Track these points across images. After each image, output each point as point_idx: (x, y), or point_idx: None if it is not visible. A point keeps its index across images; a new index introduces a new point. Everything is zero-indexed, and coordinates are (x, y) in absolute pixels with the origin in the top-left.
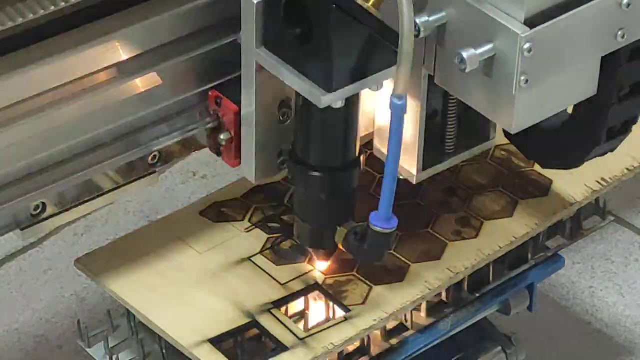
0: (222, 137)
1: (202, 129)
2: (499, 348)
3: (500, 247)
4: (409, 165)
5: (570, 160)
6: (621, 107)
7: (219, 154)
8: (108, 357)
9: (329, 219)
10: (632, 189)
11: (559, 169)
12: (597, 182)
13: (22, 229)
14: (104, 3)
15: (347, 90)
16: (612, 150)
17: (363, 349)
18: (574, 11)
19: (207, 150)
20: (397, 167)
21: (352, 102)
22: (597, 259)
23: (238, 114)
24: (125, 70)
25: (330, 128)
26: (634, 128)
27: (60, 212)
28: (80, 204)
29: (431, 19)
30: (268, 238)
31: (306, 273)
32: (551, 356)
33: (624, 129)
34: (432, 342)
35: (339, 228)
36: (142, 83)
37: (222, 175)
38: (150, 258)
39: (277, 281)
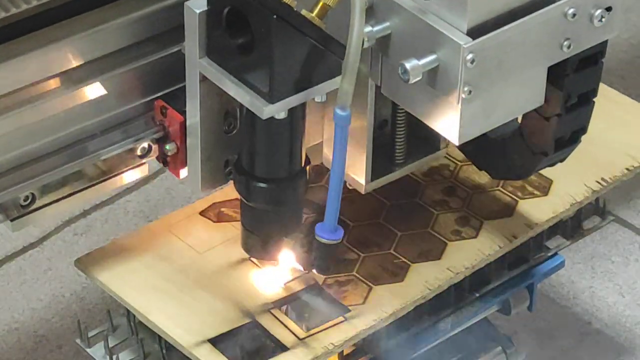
0: (168, 147)
1: (148, 138)
2: (499, 348)
3: (500, 247)
4: (358, 175)
5: (520, 170)
6: (569, 118)
7: (165, 164)
8: (108, 357)
9: (276, 230)
10: (632, 189)
11: (508, 179)
12: (597, 182)
13: (11, 220)
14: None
15: (290, 101)
16: (561, 161)
17: (363, 349)
18: (518, 22)
19: None
20: (342, 178)
21: (296, 113)
22: (597, 259)
23: (183, 124)
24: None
25: (274, 139)
26: (634, 128)
27: (50, 204)
28: (70, 195)
29: (375, 29)
30: None
31: (306, 273)
32: (551, 356)
33: (573, 139)
34: (432, 342)
35: (285, 239)
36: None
37: None
38: (150, 258)
39: (277, 281)
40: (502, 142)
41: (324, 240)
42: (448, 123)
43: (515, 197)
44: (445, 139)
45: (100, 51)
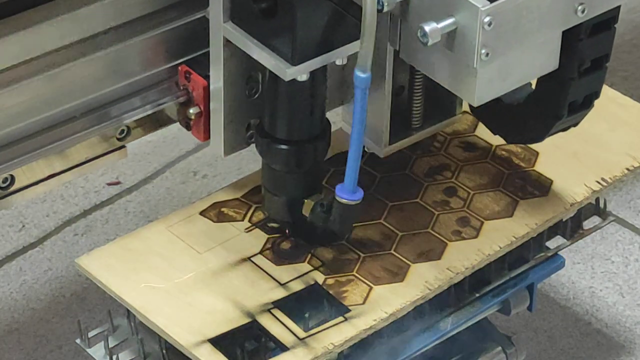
0: (191, 111)
1: (172, 103)
2: (499, 348)
3: (500, 247)
4: (376, 139)
5: (533, 134)
6: (582, 82)
7: (188, 128)
8: (108, 357)
9: (297, 191)
10: (632, 189)
11: (522, 143)
12: (597, 182)
13: None
14: None
15: (312, 64)
16: (574, 125)
17: (363, 349)
18: None
19: (208, 149)
20: (361, 139)
21: (318, 76)
22: (597, 259)
23: (207, 88)
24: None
25: (296, 101)
26: (635, 129)
27: (30, 186)
28: (49, 178)
29: None
30: (268, 238)
31: (306, 273)
32: (551, 356)
33: (586, 104)
34: (432, 342)
35: (306, 201)
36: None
37: (222, 175)
38: (150, 258)
39: (277, 281)
40: (516, 106)
41: (343, 201)
42: (466, 85)
43: (516, 197)
44: (460, 104)
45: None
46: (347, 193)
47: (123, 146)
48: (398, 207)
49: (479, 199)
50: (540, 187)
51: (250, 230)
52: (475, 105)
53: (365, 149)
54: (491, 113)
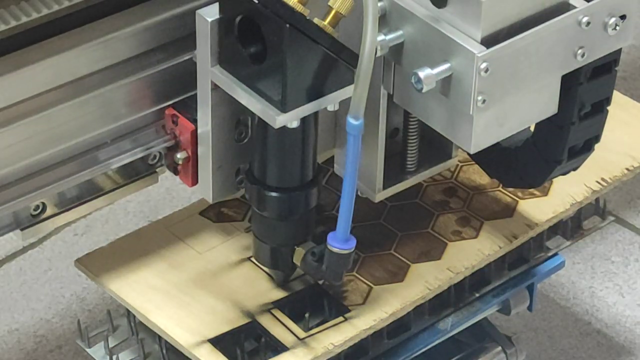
0: (178, 156)
1: (158, 147)
2: (499, 348)
3: (500, 247)
4: (370, 183)
5: (532, 179)
6: (582, 126)
7: (176, 173)
8: (108, 357)
9: (287, 239)
10: (632, 189)
11: (521, 187)
12: (597, 182)
13: (22, 229)
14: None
15: (302, 110)
16: (574, 169)
17: (363, 349)
18: (532, 30)
19: None
20: (354, 187)
21: (309, 122)
22: (597, 259)
23: (194, 132)
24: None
25: (287, 148)
26: (634, 129)
27: (61, 212)
28: (81, 204)
29: (388, 37)
30: None
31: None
32: (551, 356)
33: (586, 148)
34: (432, 342)
35: (297, 248)
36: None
37: None
38: (150, 258)
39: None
40: (514, 150)
41: (335, 250)
42: (462, 132)
43: (516, 198)
44: (456, 146)
45: (111, 59)
46: (340, 242)
47: (154, 172)
48: (398, 207)
49: (478, 199)
50: (540, 187)
51: (250, 230)
52: (471, 152)
53: (359, 194)
54: (488, 156)
